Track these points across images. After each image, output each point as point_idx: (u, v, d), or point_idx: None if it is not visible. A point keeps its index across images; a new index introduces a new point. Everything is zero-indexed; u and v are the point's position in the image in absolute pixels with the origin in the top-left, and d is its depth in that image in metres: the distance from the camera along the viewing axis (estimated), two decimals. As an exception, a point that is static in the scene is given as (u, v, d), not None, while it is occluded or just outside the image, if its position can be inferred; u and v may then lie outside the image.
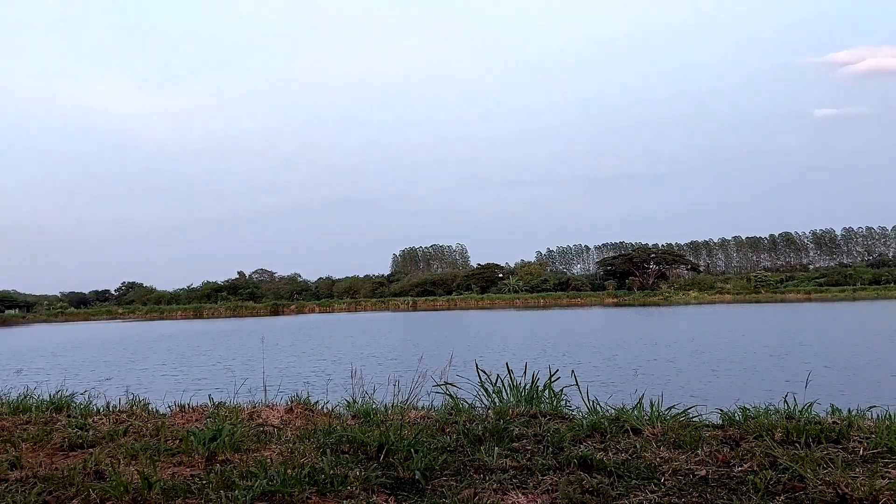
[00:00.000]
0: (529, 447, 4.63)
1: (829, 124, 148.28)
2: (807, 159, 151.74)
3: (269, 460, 4.34)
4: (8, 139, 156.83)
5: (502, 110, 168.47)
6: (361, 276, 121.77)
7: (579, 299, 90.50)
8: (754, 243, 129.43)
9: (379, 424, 5.24)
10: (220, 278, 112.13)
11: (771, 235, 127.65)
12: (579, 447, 4.54)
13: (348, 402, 6.65)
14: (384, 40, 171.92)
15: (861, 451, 4.19)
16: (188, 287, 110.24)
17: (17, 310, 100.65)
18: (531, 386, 7.11)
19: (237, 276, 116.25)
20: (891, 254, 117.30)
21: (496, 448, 4.53)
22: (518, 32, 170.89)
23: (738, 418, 5.24)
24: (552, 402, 6.68)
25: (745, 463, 4.07)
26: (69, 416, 6.18)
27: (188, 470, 4.32)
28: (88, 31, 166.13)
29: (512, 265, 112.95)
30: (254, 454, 4.59)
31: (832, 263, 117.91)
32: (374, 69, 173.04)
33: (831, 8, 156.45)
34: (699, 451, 4.37)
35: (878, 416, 5.41)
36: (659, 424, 5.09)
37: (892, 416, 5.22)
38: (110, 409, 6.57)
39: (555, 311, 66.69)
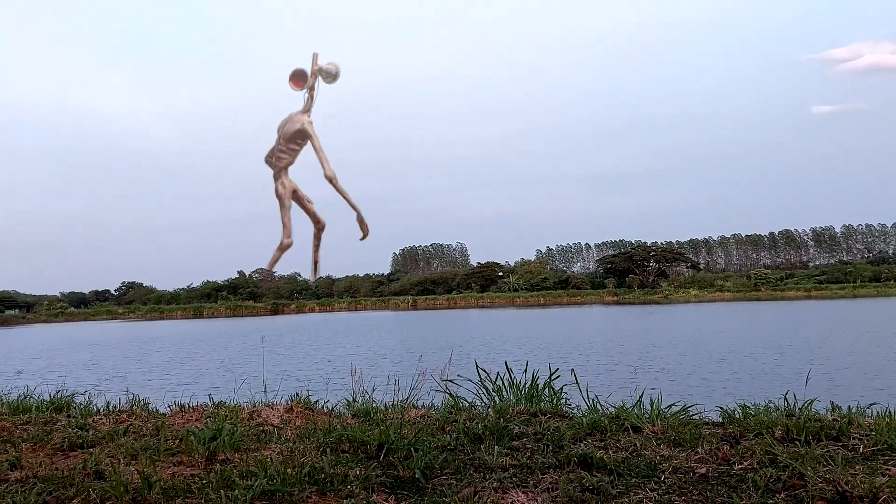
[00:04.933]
0: (529, 445, 4.63)
1: (827, 121, 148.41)
2: (806, 156, 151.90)
3: (269, 460, 4.34)
4: (7, 139, 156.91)
5: (502, 108, 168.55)
6: (361, 275, 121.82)
7: (579, 297, 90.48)
8: (754, 241, 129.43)
9: (379, 423, 5.24)
10: (220, 278, 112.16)
11: (771, 233, 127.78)
12: (579, 445, 4.53)
13: (348, 401, 6.64)
14: (384, 40, 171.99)
15: (861, 449, 4.18)
16: (188, 287, 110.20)
17: (16, 310, 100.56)
18: (531, 384, 7.11)
19: (237, 276, 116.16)
20: (891, 251, 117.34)
21: (496, 447, 4.53)
22: (517, 31, 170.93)
23: (737, 416, 5.24)
24: (552, 400, 6.68)
25: (746, 460, 4.07)
26: (69, 416, 6.18)
27: (188, 469, 4.32)
28: (89, 31, 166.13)
29: (512, 264, 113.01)
30: (254, 454, 4.59)
31: (832, 261, 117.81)
32: (374, 68, 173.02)
33: (829, 5, 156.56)
34: (699, 449, 4.36)
35: (878, 413, 5.40)
36: (659, 422, 5.09)
37: (893, 414, 5.21)
38: (110, 409, 6.57)
39: (555, 310, 66.70)
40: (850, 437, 4.46)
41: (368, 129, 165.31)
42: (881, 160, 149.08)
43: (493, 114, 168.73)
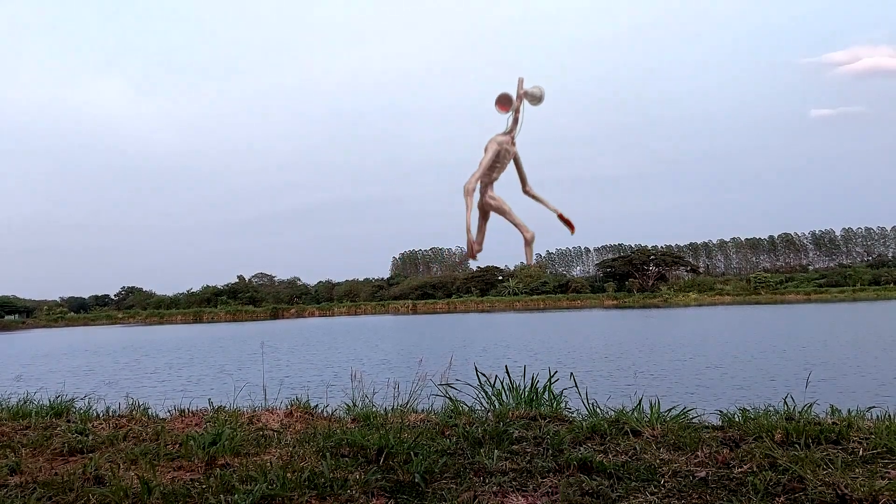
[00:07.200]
0: (529, 449, 4.63)
1: (826, 124, 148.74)
2: (804, 160, 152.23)
3: (268, 464, 4.34)
4: (7, 142, 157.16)
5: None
6: (361, 279, 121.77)
7: (579, 301, 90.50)
8: (754, 244, 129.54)
9: (379, 428, 5.24)
10: (219, 282, 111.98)
11: (770, 236, 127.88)
12: (579, 449, 4.54)
13: (348, 405, 6.64)
14: (382, 41, 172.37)
15: (861, 452, 4.19)
16: (188, 291, 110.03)
17: (16, 315, 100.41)
18: (531, 388, 7.11)
19: (237, 280, 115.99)
20: (890, 254, 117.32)
21: (496, 450, 4.53)
22: (515, 32, 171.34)
23: (737, 419, 5.24)
24: (552, 404, 6.68)
25: (745, 464, 4.08)
26: (69, 421, 6.18)
27: (188, 474, 4.31)
28: (88, 34, 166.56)
29: (511, 267, 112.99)
30: (254, 458, 4.59)
31: (832, 264, 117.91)
32: (372, 70, 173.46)
33: (827, 8, 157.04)
34: (699, 453, 4.37)
35: (877, 416, 5.41)
36: (658, 426, 5.09)
37: (892, 417, 5.22)
38: (110, 413, 6.58)
39: (554, 314, 66.64)
40: (849, 440, 4.47)
41: (368, 130, 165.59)
42: (880, 163, 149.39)
43: (492, 115, 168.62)
